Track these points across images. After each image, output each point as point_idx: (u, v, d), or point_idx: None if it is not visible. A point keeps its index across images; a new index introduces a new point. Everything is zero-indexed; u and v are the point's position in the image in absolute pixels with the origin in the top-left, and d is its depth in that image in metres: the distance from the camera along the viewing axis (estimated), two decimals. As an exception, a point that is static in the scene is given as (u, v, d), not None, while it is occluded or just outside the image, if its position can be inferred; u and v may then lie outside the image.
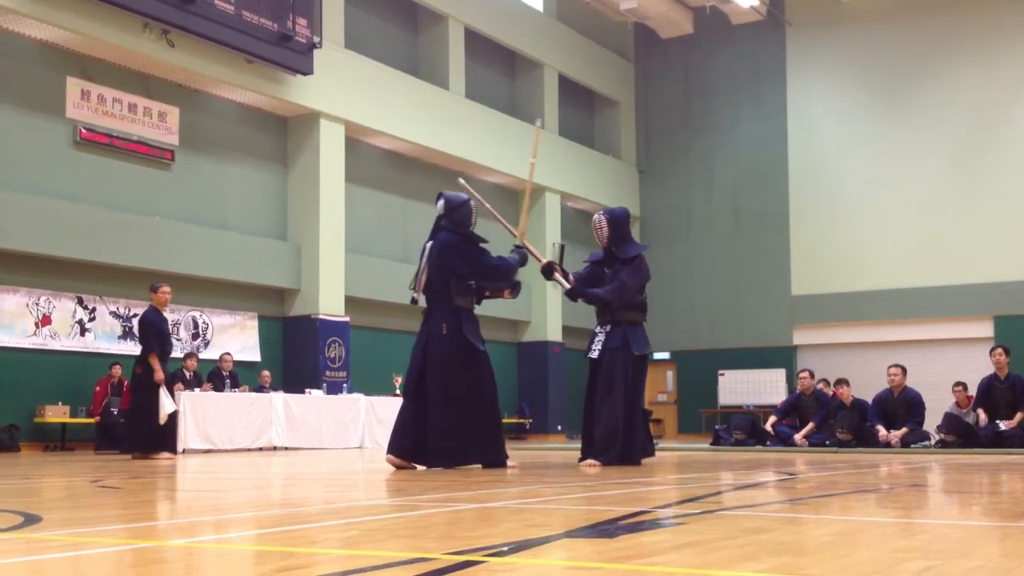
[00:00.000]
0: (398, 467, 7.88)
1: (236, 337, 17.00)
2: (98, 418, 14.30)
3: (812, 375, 14.27)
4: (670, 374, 25.43)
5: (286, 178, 18.08)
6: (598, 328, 8.91)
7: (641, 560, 2.70)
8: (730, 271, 24.81)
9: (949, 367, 20.13)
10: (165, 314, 11.79)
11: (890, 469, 7.99)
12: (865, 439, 12.76)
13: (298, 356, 17.59)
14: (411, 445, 7.87)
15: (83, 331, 14.91)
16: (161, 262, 15.49)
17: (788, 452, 12.33)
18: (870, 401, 13.29)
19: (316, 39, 17.01)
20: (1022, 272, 21.82)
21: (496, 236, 9.20)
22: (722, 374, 24.04)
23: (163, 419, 11.17)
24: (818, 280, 23.83)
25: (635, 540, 3.14)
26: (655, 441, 10.11)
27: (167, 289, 11.64)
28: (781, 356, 23.84)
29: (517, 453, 8.77)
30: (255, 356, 17.25)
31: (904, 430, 12.64)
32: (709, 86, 25.66)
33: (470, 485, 5.99)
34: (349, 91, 18.23)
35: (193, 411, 13.39)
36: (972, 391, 13.08)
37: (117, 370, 14.61)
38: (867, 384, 16.13)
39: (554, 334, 23.03)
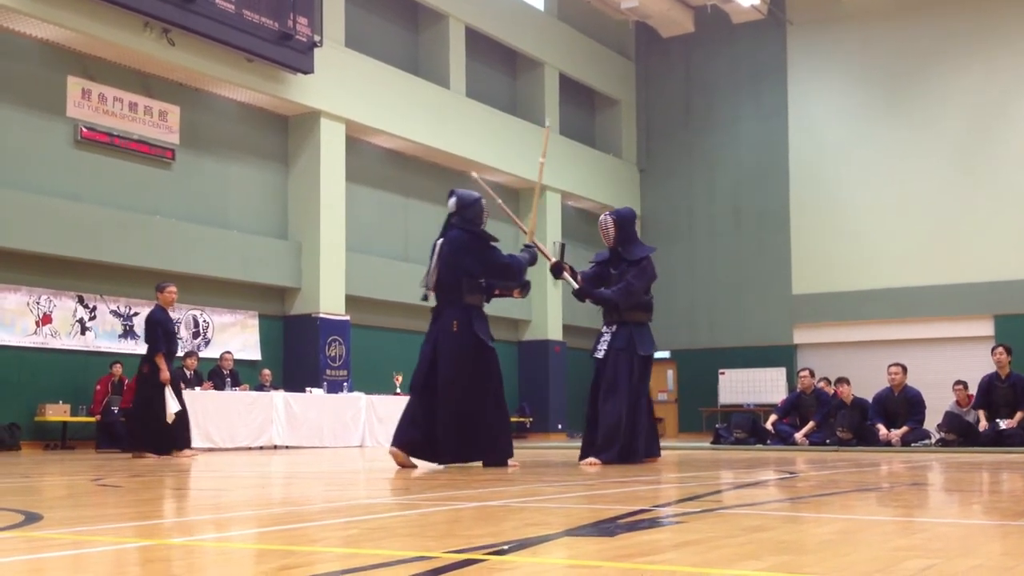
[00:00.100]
0: (400, 463, 7.89)
1: (237, 336, 17.01)
2: (99, 417, 14.30)
3: (812, 374, 14.27)
4: (670, 373, 25.42)
5: (287, 177, 18.09)
6: (604, 328, 8.93)
7: (641, 558, 2.70)
8: (731, 270, 24.81)
9: (949, 366, 20.13)
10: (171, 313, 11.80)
11: (890, 468, 7.99)
12: (865, 438, 12.77)
13: (299, 355, 17.59)
14: (419, 438, 7.89)
15: (84, 330, 14.92)
16: (162, 261, 15.49)
17: (788, 451, 12.33)
18: (870, 400, 13.29)
19: (317, 38, 17.01)
20: (1022, 271, 21.81)
21: (503, 235, 9.20)
22: (723, 373, 24.04)
23: (170, 418, 11.17)
24: (819, 279, 23.83)
25: (635, 539, 3.14)
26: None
27: (173, 289, 11.64)
28: (781, 355, 23.84)
29: (518, 452, 8.77)
30: (256, 355, 17.25)
31: (904, 429, 12.64)
32: (710, 85, 25.65)
33: (470, 484, 5.99)
34: (350, 90, 18.23)
35: (194, 410, 13.36)
36: (972, 390, 13.08)
37: (118, 369, 14.61)
38: (867, 383, 16.13)
39: (555, 333, 23.03)
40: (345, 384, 17.42)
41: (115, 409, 14.22)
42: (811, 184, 24.07)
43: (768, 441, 13.59)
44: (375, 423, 16.09)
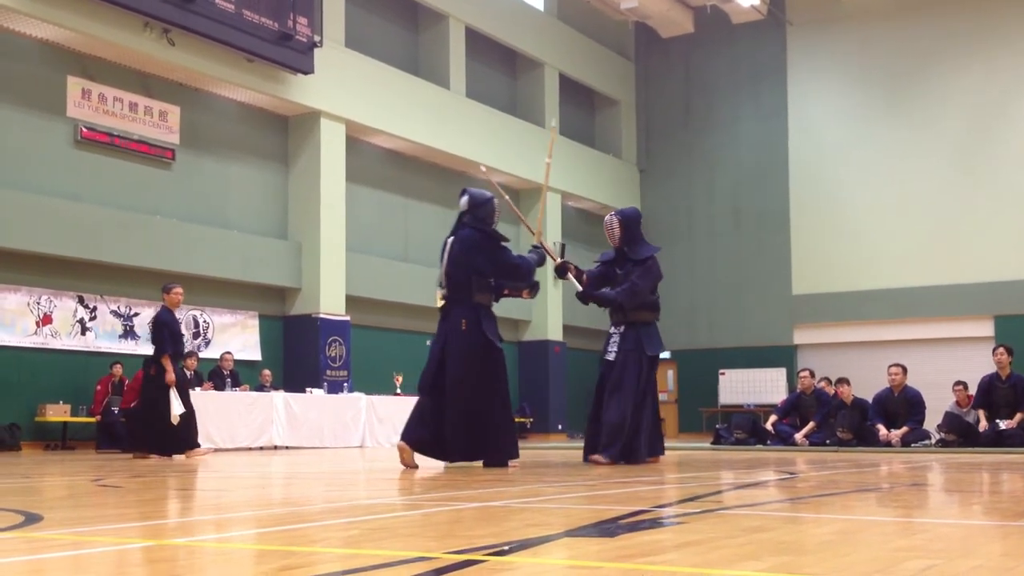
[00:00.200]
0: (405, 461, 7.91)
1: (237, 336, 17.00)
2: (99, 417, 14.30)
3: (812, 374, 14.27)
4: (671, 373, 25.42)
5: (287, 177, 18.09)
6: (612, 329, 8.95)
7: (642, 559, 2.70)
8: (731, 270, 24.81)
9: (949, 366, 20.14)
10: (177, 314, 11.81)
11: (890, 468, 7.99)
12: (865, 438, 12.77)
13: (299, 355, 17.59)
14: (428, 436, 7.91)
15: (84, 330, 14.92)
16: (162, 261, 15.49)
17: (789, 451, 12.33)
18: (870, 400, 13.29)
19: (317, 38, 17.01)
20: (1022, 271, 21.81)
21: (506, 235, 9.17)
22: (723, 373, 24.04)
23: (175, 420, 11.16)
24: (818, 279, 23.83)
25: (636, 539, 3.14)
26: None
27: (180, 290, 11.63)
28: (782, 355, 23.84)
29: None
30: (256, 355, 17.25)
31: (904, 429, 12.64)
32: (710, 85, 25.66)
33: (471, 484, 5.99)
34: (350, 90, 18.23)
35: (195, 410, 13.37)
36: (972, 390, 13.08)
37: (118, 369, 14.61)
38: (867, 383, 16.13)
39: (555, 333, 23.04)
40: (345, 384, 17.42)
41: (115, 409, 14.21)
42: (811, 184, 24.08)
43: (768, 441, 13.59)
44: (375, 423, 16.10)
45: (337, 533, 3.47)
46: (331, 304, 17.73)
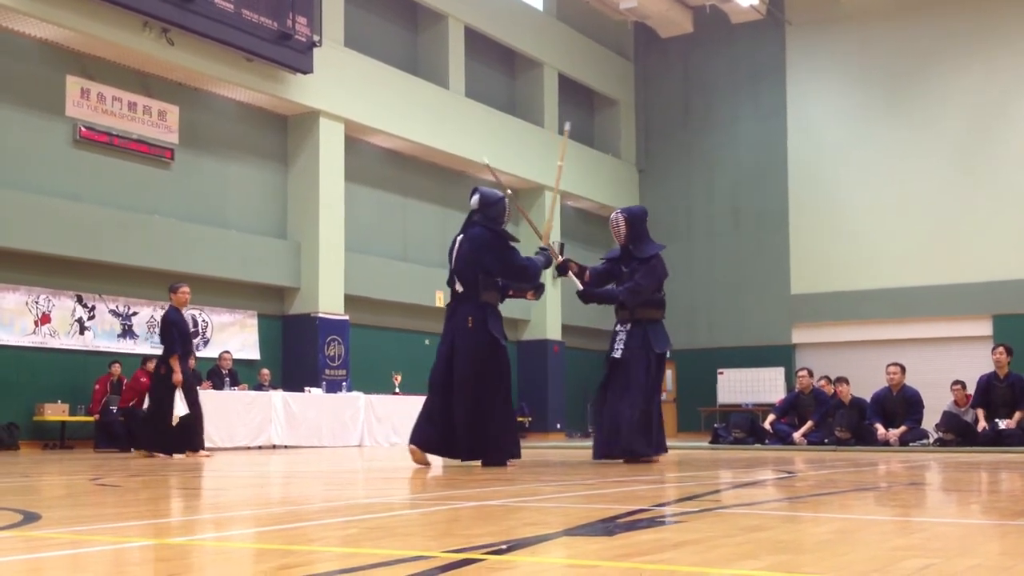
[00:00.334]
0: (417, 460, 7.97)
1: (236, 335, 17.00)
2: (97, 416, 14.30)
3: (811, 374, 14.27)
4: (669, 373, 25.40)
5: (286, 177, 18.09)
6: (618, 327, 8.96)
7: (640, 558, 2.70)
8: (729, 270, 24.81)
9: (948, 366, 20.14)
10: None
11: (889, 467, 7.99)
12: (864, 437, 12.77)
13: (297, 354, 17.59)
14: (436, 435, 7.94)
15: (82, 329, 14.91)
16: (161, 261, 15.49)
17: (787, 450, 12.33)
18: (869, 399, 13.29)
19: (316, 38, 17.00)
20: (1021, 271, 21.83)
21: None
22: (721, 373, 24.04)
23: (174, 420, 11.16)
24: (817, 279, 23.83)
25: (634, 538, 3.14)
26: None
27: (186, 289, 11.63)
28: (780, 355, 23.85)
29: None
30: (254, 354, 17.25)
31: (903, 428, 12.64)
32: (709, 85, 25.66)
33: (469, 483, 6.00)
34: (349, 90, 18.23)
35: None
36: (970, 390, 13.08)
37: (116, 368, 14.61)
38: (866, 382, 16.13)
39: (554, 333, 23.04)
40: (344, 384, 17.42)
41: (114, 409, 14.22)
42: (810, 184, 24.08)
43: (766, 441, 13.59)
44: (374, 423, 16.10)
45: (335, 532, 3.47)
46: (330, 303, 17.72)
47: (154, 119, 15.86)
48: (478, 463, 8.01)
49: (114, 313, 15.36)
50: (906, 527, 3.65)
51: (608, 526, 3.48)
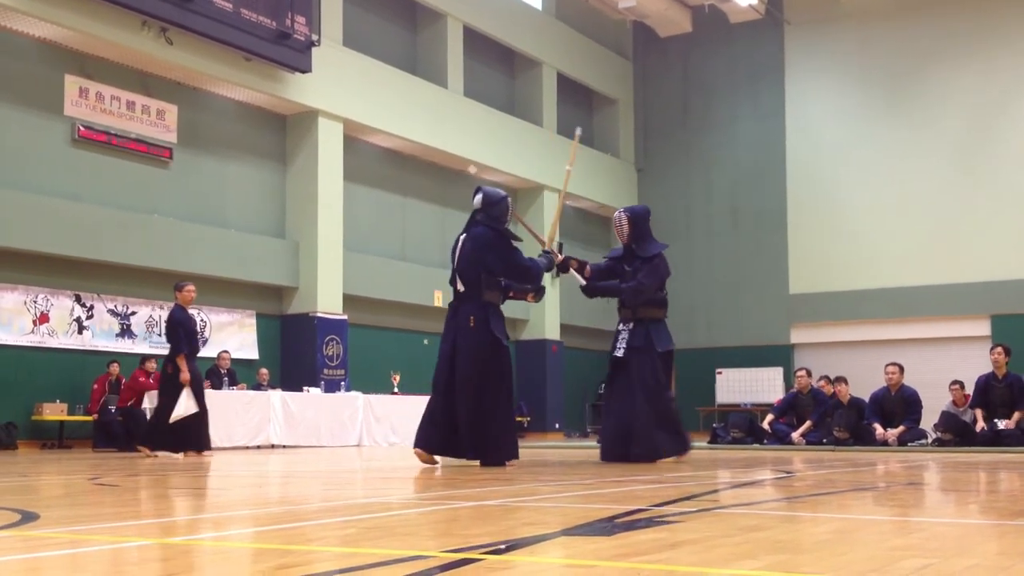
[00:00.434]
0: (424, 461, 8.00)
1: (234, 335, 16.99)
2: (96, 416, 14.29)
3: (809, 373, 14.27)
4: (668, 372, 25.39)
5: (284, 176, 18.08)
6: (620, 325, 8.98)
7: (638, 558, 2.70)
8: (728, 270, 24.81)
9: (946, 366, 20.14)
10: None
11: (887, 467, 8.00)
12: (862, 437, 12.77)
13: (296, 354, 17.58)
14: (439, 436, 7.96)
15: (81, 329, 14.90)
16: (159, 260, 15.48)
17: (785, 450, 12.34)
18: (867, 399, 13.30)
19: (315, 37, 16.99)
20: (1019, 271, 21.83)
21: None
22: (720, 372, 24.04)
23: (174, 418, 11.16)
24: (816, 279, 23.84)
25: (632, 538, 3.14)
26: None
27: (192, 287, 11.64)
28: (779, 354, 23.85)
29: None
30: (253, 354, 17.24)
31: (901, 428, 12.64)
32: (708, 85, 25.66)
33: (468, 483, 6.00)
34: (348, 89, 18.22)
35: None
36: (969, 390, 13.08)
37: (115, 368, 14.60)
38: (865, 382, 16.13)
39: (552, 332, 23.03)
40: (342, 383, 17.42)
41: (112, 408, 14.21)
42: (808, 184, 24.09)
43: (765, 441, 13.59)
44: (372, 422, 16.09)
45: (334, 532, 3.47)
46: (328, 303, 17.72)
47: (153, 118, 15.85)
48: (471, 463, 8.03)
49: (112, 313, 15.36)
50: (904, 527, 3.65)
51: (606, 526, 3.48)
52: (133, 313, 15.58)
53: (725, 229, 25.05)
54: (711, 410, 23.85)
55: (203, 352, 15.92)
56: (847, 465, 8.24)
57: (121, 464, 9.19)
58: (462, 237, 8.32)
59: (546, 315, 22.78)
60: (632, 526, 3.49)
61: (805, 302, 23.93)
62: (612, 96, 25.87)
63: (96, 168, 15.11)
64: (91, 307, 15.08)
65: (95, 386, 14.47)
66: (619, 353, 8.80)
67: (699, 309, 24.90)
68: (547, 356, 22.83)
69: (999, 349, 12.81)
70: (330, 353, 17.60)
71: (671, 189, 25.65)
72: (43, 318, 14.43)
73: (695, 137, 25.64)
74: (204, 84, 16.44)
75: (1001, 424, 12.24)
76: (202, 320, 16.54)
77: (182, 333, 11.27)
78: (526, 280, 8.45)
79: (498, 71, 23.23)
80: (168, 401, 11.24)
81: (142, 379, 14.23)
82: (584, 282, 8.94)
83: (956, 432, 12.33)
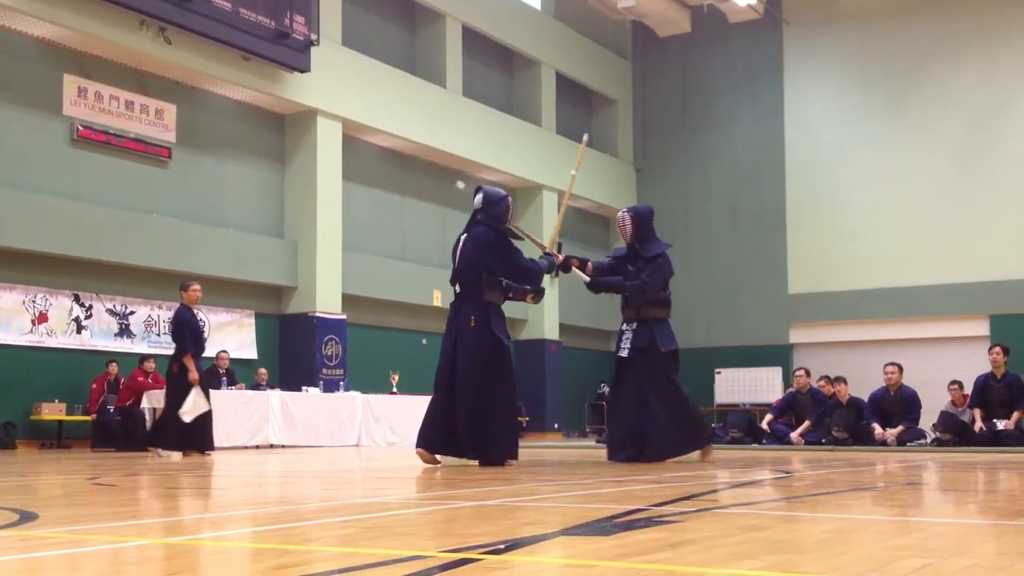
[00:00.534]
0: (426, 461, 8.01)
1: (233, 335, 16.98)
2: (94, 416, 14.29)
3: (808, 373, 14.28)
4: (667, 372, 25.40)
5: (283, 176, 18.07)
6: (624, 326, 9.00)
7: (637, 558, 2.70)
8: (727, 269, 24.82)
9: (945, 365, 20.14)
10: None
11: (886, 467, 8.00)
12: (861, 437, 12.77)
13: (295, 354, 17.58)
14: (441, 436, 7.97)
15: (80, 329, 14.90)
16: (158, 260, 15.47)
17: (784, 450, 12.34)
18: (866, 399, 13.30)
19: (313, 36, 16.99)
20: (1018, 271, 21.84)
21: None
22: (719, 372, 24.05)
23: (186, 417, 11.17)
24: (815, 279, 23.84)
25: (631, 538, 3.14)
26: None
27: (198, 287, 11.65)
28: (777, 354, 23.85)
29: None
30: (252, 354, 17.23)
31: (900, 428, 12.65)
32: (706, 85, 25.66)
33: (467, 483, 6.00)
34: (346, 89, 18.22)
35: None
36: (968, 390, 13.09)
37: (114, 368, 14.60)
38: (864, 382, 16.13)
39: (551, 332, 23.03)
40: (341, 383, 17.41)
41: (111, 408, 14.21)
42: (807, 184, 24.09)
43: (764, 440, 13.60)
44: (371, 422, 16.09)
45: (333, 532, 3.47)
46: (327, 303, 17.71)
47: (151, 118, 15.84)
48: (470, 463, 8.03)
49: (111, 312, 15.35)
50: (903, 527, 3.65)
51: (606, 526, 3.48)
52: (132, 313, 15.57)
53: (724, 229, 25.06)
54: (710, 410, 23.84)
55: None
56: (846, 465, 8.24)
57: (120, 464, 9.18)
58: (463, 237, 8.33)
59: (545, 315, 22.78)
60: (631, 526, 3.49)
61: (804, 302, 23.93)
62: (611, 96, 25.87)
63: (95, 168, 15.10)
64: (90, 307, 15.07)
65: (94, 386, 14.47)
66: (623, 354, 8.82)
67: (698, 309, 24.89)
68: (546, 356, 22.83)
69: (997, 349, 12.81)
70: (329, 353, 17.60)
71: (670, 189, 25.65)
72: (42, 318, 14.43)
73: (694, 137, 25.65)
74: (203, 84, 16.44)
75: (1000, 424, 12.24)
76: (201, 320, 16.52)
77: (187, 333, 11.28)
78: (526, 281, 8.47)
79: (497, 71, 23.23)
80: (176, 401, 11.24)
81: (141, 379, 14.23)
82: (588, 279, 8.95)
83: (955, 432, 12.33)
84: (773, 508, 4.51)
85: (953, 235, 22.48)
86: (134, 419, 13.79)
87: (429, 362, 8.43)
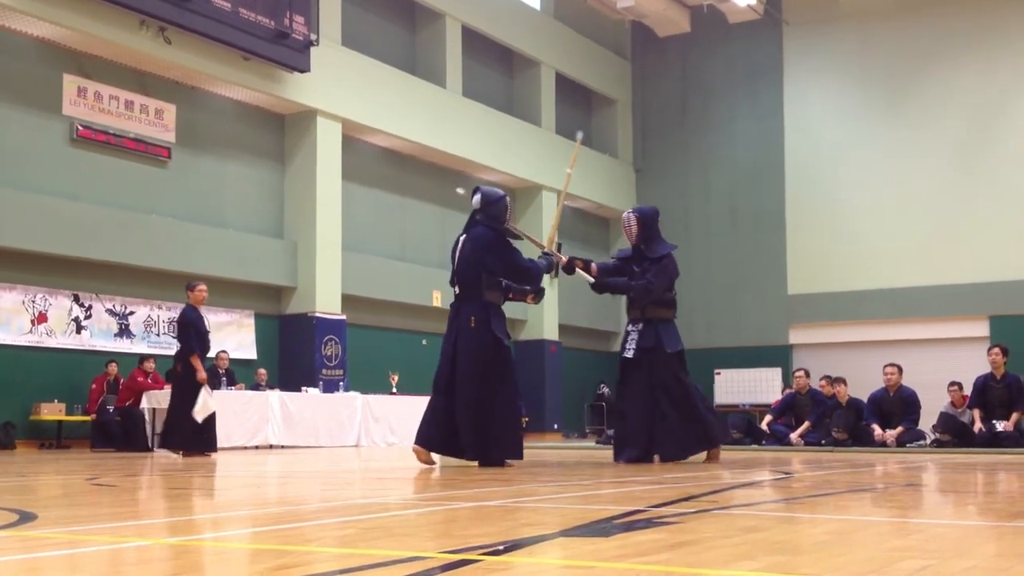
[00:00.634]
0: (422, 460, 8.00)
1: (233, 335, 16.98)
2: (94, 416, 14.28)
3: (808, 374, 14.28)
4: (666, 373, 25.37)
5: (283, 176, 18.07)
6: (630, 326, 9.02)
7: (636, 559, 2.70)
8: (726, 270, 24.82)
9: (945, 366, 20.13)
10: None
11: (885, 468, 8.00)
12: (861, 438, 12.77)
13: (295, 354, 17.57)
14: (441, 435, 7.97)
15: (79, 329, 14.89)
16: (158, 260, 15.47)
17: (784, 451, 12.34)
18: (866, 400, 13.30)
19: (313, 36, 16.99)
20: (1018, 272, 21.84)
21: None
22: (718, 373, 24.04)
23: (199, 416, 11.18)
24: (814, 279, 23.84)
25: (630, 539, 3.14)
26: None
27: (204, 287, 11.65)
28: (777, 355, 23.85)
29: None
30: (251, 354, 17.23)
31: (900, 429, 12.65)
32: (706, 85, 25.66)
33: (466, 484, 6.00)
34: (346, 89, 18.22)
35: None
36: (967, 391, 13.09)
37: (113, 368, 14.59)
38: (863, 383, 16.13)
39: (551, 333, 23.03)
40: (341, 383, 17.41)
41: (110, 408, 14.21)
42: (807, 184, 24.09)
43: (763, 441, 13.60)
44: (371, 423, 16.08)
45: (332, 532, 3.47)
46: (327, 303, 17.71)
47: (151, 118, 15.84)
48: (470, 463, 8.02)
49: (111, 312, 15.35)
50: (903, 528, 3.65)
51: (605, 527, 3.48)
52: (131, 313, 15.57)
53: (724, 229, 25.06)
54: (709, 410, 23.84)
55: (201, 352, 15.97)
56: (845, 466, 8.25)
57: (119, 464, 9.18)
58: (462, 238, 8.33)
59: (545, 316, 22.78)
60: (631, 527, 3.49)
61: (804, 302, 23.93)
62: (611, 96, 25.87)
63: (94, 168, 15.10)
64: (89, 307, 15.07)
65: (93, 386, 14.47)
66: (629, 354, 8.84)
67: (697, 309, 24.87)
68: (546, 356, 22.83)
69: (996, 350, 12.81)
70: (328, 353, 17.60)
71: (669, 189, 25.64)
72: (41, 318, 14.42)
73: (694, 137, 25.65)
74: (202, 84, 16.44)
75: (999, 425, 12.24)
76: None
77: (192, 333, 11.28)
78: (526, 280, 8.47)
79: (497, 71, 23.23)
80: (185, 401, 11.24)
81: (140, 379, 14.23)
82: (592, 280, 8.96)
83: (954, 433, 12.33)
84: (772, 509, 4.51)
85: (953, 235, 22.48)
86: (133, 419, 13.79)
87: (429, 363, 8.42)
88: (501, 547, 2.94)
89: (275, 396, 14.90)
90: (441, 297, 19.57)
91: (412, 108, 19.53)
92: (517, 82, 23.62)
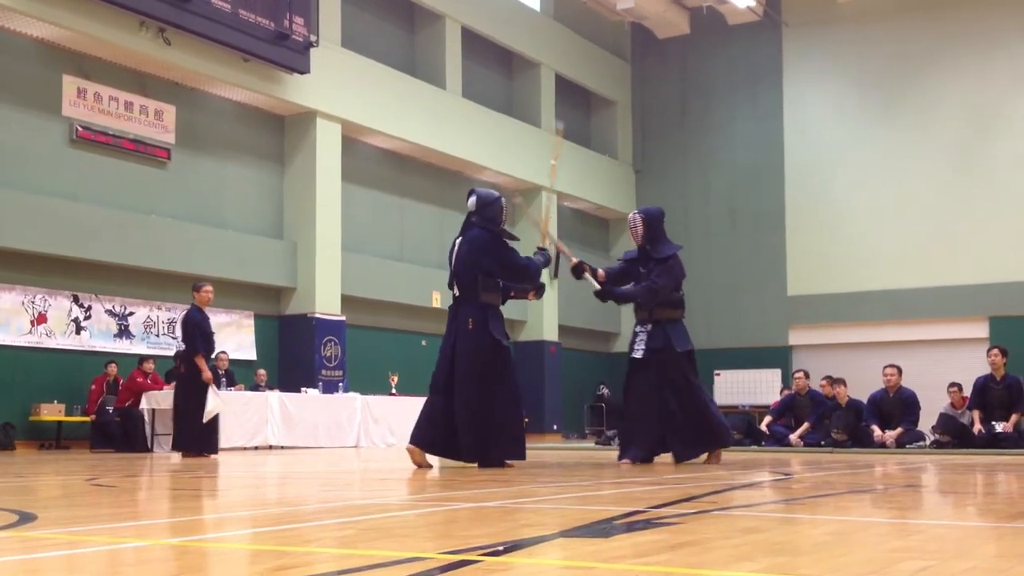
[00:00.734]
0: (416, 461, 7.98)
1: (232, 336, 16.97)
2: (93, 417, 14.28)
3: (807, 375, 14.29)
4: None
5: (282, 177, 18.07)
6: (638, 327, 9.03)
7: (636, 560, 2.70)
8: (726, 271, 24.82)
9: (944, 367, 20.15)
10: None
11: (885, 469, 8.00)
12: (860, 439, 12.78)
13: (294, 355, 17.57)
14: (437, 436, 7.96)
15: (79, 329, 14.89)
16: (157, 261, 15.47)
17: (783, 452, 12.34)
18: (865, 401, 13.30)
19: (313, 38, 16.99)
20: (1017, 273, 21.84)
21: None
22: (718, 374, 24.04)
23: (207, 417, 11.20)
24: (814, 280, 23.84)
25: (630, 540, 3.14)
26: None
27: (209, 288, 11.66)
28: (777, 356, 23.85)
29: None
30: (251, 355, 17.23)
31: (899, 430, 12.65)
32: (706, 86, 25.67)
33: (466, 485, 6.00)
34: (346, 90, 18.22)
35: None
36: (967, 392, 13.09)
37: (113, 368, 14.59)
38: (863, 384, 16.14)
39: (550, 334, 23.04)
40: (341, 384, 17.41)
41: (110, 409, 14.20)
42: (807, 185, 24.10)
43: (763, 442, 13.60)
44: (370, 423, 16.08)
45: (332, 533, 3.47)
46: (326, 304, 17.71)
47: (151, 119, 15.84)
48: (469, 464, 8.01)
49: (110, 313, 15.34)
50: (903, 529, 3.65)
51: (605, 528, 3.48)
52: (131, 313, 15.57)
53: (723, 230, 25.06)
54: (709, 411, 23.83)
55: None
56: (845, 467, 8.24)
57: (119, 465, 9.18)
58: (458, 240, 8.33)
59: (544, 316, 22.79)
60: (630, 528, 3.49)
61: (803, 303, 23.94)
62: (610, 97, 25.88)
63: (94, 168, 15.10)
64: (89, 307, 15.07)
65: (93, 387, 14.47)
66: (637, 355, 8.85)
67: (697, 310, 24.72)
68: (545, 357, 22.83)
69: (996, 351, 12.82)
70: (328, 354, 17.60)
71: (669, 190, 25.63)
72: (41, 318, 14.42)
73: (693, 138, 25.66)
74: (202, 85, 16.44)
75: (999, 426, 12.25)
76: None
77: (197, 334, 11.29)
78: (524, 279, 8.47)
79: (496, 72, 23.23)
80: (192, 401, 11.24)
81: (140, 380, 14.23)
82: (599, 286, 8.96)
83: (954, 434, 12.34)
84: (772, 510, 4.51)
85: (952, 237, 22.49)
86: (133, 420, 13.79)
87: (428, 363, 8.41)
88: (501, 548, 2.94)
89: (274, 397, 14.90)
90: (440, 298, 19.57)
91: (412, 109, 19.54)
92: (517, 83, 23.63)
